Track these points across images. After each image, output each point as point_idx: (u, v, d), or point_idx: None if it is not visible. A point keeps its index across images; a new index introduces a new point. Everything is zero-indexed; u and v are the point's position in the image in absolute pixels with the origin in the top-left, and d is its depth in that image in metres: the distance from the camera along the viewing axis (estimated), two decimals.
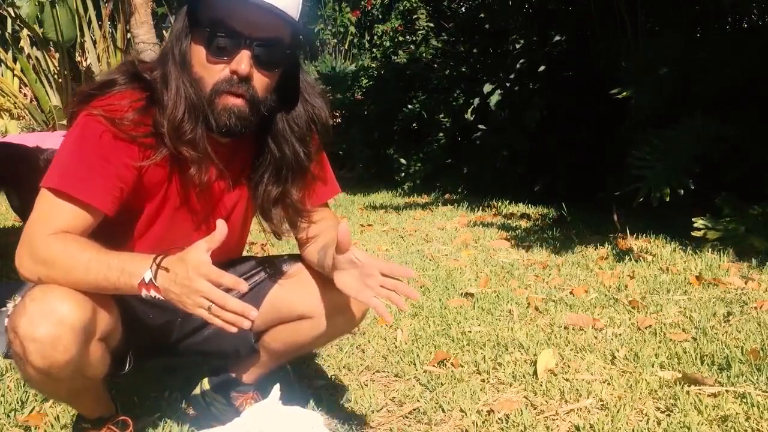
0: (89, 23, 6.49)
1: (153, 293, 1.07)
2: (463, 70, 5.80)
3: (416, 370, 1.79)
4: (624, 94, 3.59)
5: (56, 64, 6.52)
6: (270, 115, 1.26)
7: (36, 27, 6.23)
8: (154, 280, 1.06)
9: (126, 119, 1.16)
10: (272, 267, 1.43)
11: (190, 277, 1.03)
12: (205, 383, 1.53)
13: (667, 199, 3.09)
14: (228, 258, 1.46)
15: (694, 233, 3.07)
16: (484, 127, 5.37)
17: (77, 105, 1.19)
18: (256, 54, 1.15)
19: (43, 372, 1.09)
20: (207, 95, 1.18)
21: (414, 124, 6.25)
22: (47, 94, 6.57)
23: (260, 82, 1.19)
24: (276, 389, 1.16)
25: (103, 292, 1.13)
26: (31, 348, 1.07)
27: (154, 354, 1.45)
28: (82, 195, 1.14)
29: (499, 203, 4.83)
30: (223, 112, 1.17)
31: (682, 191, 3.11)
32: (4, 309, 2.29)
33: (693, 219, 3.10)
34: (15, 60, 6.72)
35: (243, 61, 1.15)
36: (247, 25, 1.14)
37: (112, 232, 1.20)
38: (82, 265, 1.09)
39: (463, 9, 6.21)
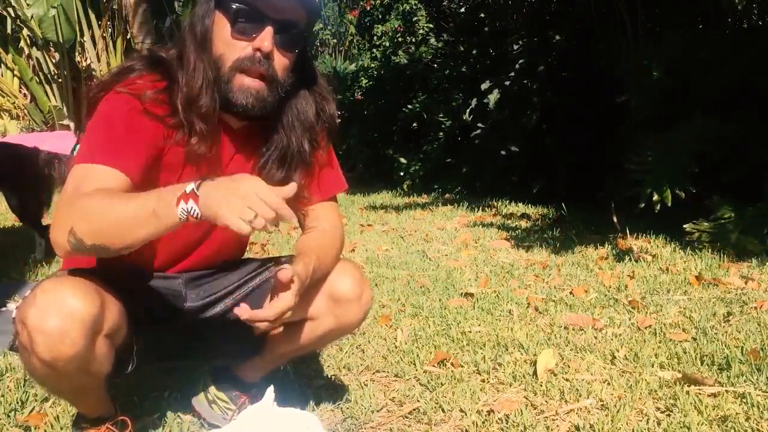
0: (89, 23, 6.48)
1: (191, 205, 1.00)
2: (463, 70, 5.80)
3: (416, 370, 1.79)
4: (624, 97, 3.60)
5: (56, 64, 6.51)
6: (282, 102, 1.30)
7: (36, 27, 6.23)
8: (196, 190, 1.01)
9: (147, 96, 1.20)
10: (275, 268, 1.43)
11: (237, 186, 0.99)
12: (209, 382, 1.53)
13: (669, 204, 3.09)
14: (233, 253, 1.47)
15: (688, 237, 3.07)
16: (483, 126, 5.37)
17: (98, 91, 1.22)
18: (278, 34, 1.21)
19: (48, 365, 1.09)
20: (226, 72, 1.21)
21: (414, 124, 6.26)
22: (46, 94, 6.56)
23: (280, 62, 1.23)
24: (270, 391, 1.16)
25: (135, 231, 1.05)
26: (39, 340, 1.06)
27: (158, 355, 1.44)
28: (112, 163, 1.15)
29: (499, 203, 4.83)
30: (239, 92, 1.21)
31: (683, 194, 3.10)
32: (4, 309, 2.29)
33: (684, 225, 3.10)
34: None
35: (266, 39, 1.20)
36: (271, 8, 1.20)
37: None
38: (118, 203, 1.06)
39: (462, 9, 6.22)
